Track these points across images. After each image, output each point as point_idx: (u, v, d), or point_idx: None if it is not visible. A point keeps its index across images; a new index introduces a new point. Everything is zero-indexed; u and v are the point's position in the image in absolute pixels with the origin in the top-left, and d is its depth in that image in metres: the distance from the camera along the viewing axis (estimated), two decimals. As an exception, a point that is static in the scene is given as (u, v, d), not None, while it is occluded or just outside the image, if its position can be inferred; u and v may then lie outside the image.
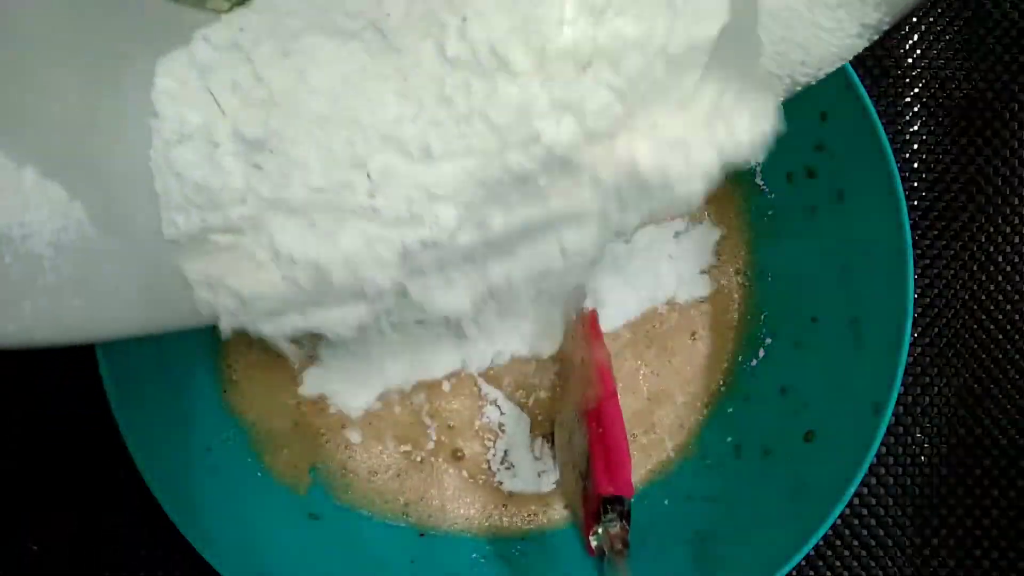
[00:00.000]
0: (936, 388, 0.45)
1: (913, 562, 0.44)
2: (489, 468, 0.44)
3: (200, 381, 0.42)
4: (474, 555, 0.43)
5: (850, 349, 0.39)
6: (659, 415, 0.45)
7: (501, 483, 0.44)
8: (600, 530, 0.38)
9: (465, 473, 0.44)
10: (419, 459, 0.44)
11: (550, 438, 0.44)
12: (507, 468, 0.44)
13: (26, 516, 0.44)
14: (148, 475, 0.38)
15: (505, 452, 0.44)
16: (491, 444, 0.44)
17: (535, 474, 0.44)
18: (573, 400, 0.42)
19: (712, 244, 0.45)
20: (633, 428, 0.44)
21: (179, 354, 0.41)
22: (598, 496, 0.38)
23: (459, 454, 0.44)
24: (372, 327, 0.28)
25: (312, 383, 0.44)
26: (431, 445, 0.44)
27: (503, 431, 0.44)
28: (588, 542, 0.39)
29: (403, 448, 0.44)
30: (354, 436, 0.44)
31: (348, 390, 0.44)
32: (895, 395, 0.37)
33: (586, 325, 0.43)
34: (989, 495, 0.44)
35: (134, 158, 0.26)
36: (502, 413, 0.44)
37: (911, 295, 0.38)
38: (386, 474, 0.44)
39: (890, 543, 0.44)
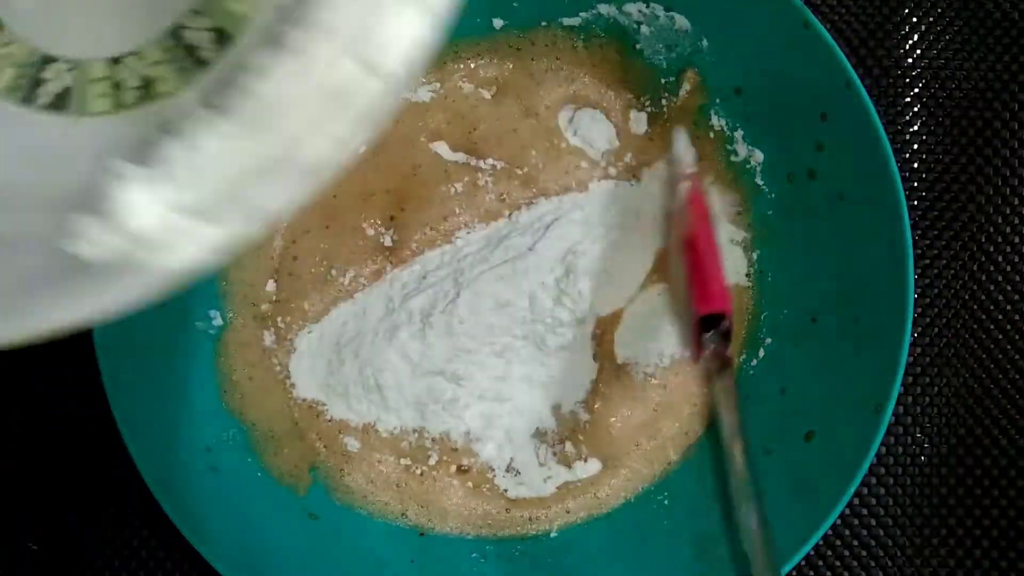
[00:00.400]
0: (936, 388, 0.45)
1: (913, 562, 0.44)
2: (494, 477, 0.44)
3: (200, 381, 0.42)
4: (474, 555, 0.42)
5: (850, 349, 0.39)
6: (664, 424, 0.45)
7: (506, 491, 0.44)
8: (706, 352, 0.40)
9: (470, 484, 0.44)
10: (420, 472, 0.44)
11: (553, 442, 0.44)
12: (513, 475, 0.44)
13: (26, 516, 0.44)
14: (148, 475, 0.38)
15: (511, 459, 0.44)
16: (496, 455, 0.44)
17: (541, 480, 0.44)
18: (677, 235, 0.44)
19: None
20: (639, 436, 0.44)
21: (178, 354, 0.41)
22: (697, 318, 0.40)
23: (463, 468, 0.44)
24: None
25: (304, 385, 0.44)
26: (433, 461, 0.44)
27: (510, 439, 0.44)
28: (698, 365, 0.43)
29: (403, 462, 0.44)
30: (352, 443, 0.44)
31: (345, 404, 0.44)
32: (895, 395, 0.37)
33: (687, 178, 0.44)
34: (989, 495, 0.44)
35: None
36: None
37: (911, 295, 0.37)
38: (386, 482, 0.44)
39: (890, 543, 0.44)
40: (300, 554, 0.41)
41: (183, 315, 0.42)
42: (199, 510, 0.39)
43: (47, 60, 0.27)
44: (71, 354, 0.45)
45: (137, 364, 0.40)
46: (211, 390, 0.42)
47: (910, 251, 0.38)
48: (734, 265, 0.45)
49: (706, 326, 0.40)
